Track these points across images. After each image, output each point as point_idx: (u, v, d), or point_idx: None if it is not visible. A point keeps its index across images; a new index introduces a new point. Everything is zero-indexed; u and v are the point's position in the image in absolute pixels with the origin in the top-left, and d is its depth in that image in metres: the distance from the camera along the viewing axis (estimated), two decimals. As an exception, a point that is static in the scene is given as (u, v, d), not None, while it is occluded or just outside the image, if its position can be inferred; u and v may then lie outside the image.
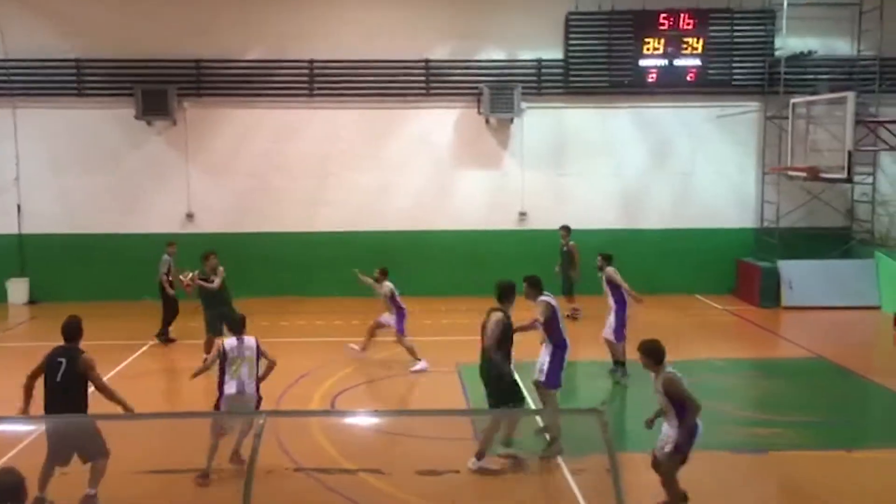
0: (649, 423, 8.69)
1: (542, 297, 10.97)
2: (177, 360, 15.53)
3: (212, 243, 19.81)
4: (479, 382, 10.75)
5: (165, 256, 17.05)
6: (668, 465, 8.39)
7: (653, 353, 8.50)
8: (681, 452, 8.31)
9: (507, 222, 21.55)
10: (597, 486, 8.67)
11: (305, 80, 21.23)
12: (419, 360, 14.49)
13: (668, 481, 8.44)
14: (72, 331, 8.76)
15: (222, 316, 12.29)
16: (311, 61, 21.12)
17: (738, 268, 21.34)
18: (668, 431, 8.44)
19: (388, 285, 14.83)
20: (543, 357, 10.72)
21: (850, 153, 15.58)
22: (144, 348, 16.32)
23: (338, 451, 10.32)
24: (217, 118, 21.22)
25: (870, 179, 20.98)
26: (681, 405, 8.30)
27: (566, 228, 19.03)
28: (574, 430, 10.79)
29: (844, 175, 16.06)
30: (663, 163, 21.70)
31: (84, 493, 8.42)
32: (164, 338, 16.70)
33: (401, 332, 14.75)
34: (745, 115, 21.42)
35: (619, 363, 13.68)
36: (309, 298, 20.32)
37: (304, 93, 21.23)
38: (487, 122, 21.36)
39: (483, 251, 20.93)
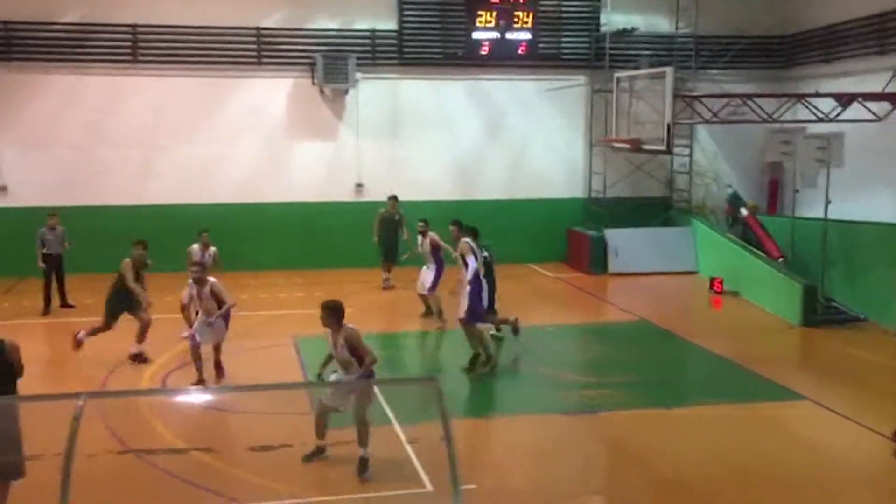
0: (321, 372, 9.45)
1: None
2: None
3: (29, 217, 18.69)
4: (316, 354, 10.76)
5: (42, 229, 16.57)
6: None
7: (336, 312, 9.05)
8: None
9: (344, 194, 21.37)
10: (433, 455, 8.76)
11: (128, 46, 20.18)
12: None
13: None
14: None
15: None
16: (134, 25, 20.08)
17: (569, 237, 22.10)
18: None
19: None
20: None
21: (669, 126, 16.33)
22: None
23: (169, 432, 9.99)
24: (31, 84, 19.85)
25: (687, 151, 22.16)
26: (360, 357, 9.01)
27: (395, 198, 18.95)
28: (410, 399, 10.90)
29: (664, 147, 16.83)
30: (497, 135, 22.09)
31: None
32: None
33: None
34: (573, 88, 22.09)
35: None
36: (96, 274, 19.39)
37: (128, 59, 20.19)
38: (322, 92, 21.05)
39: (320, 223, 20.72)
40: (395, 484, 8.73)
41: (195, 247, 15.56)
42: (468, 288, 12.55)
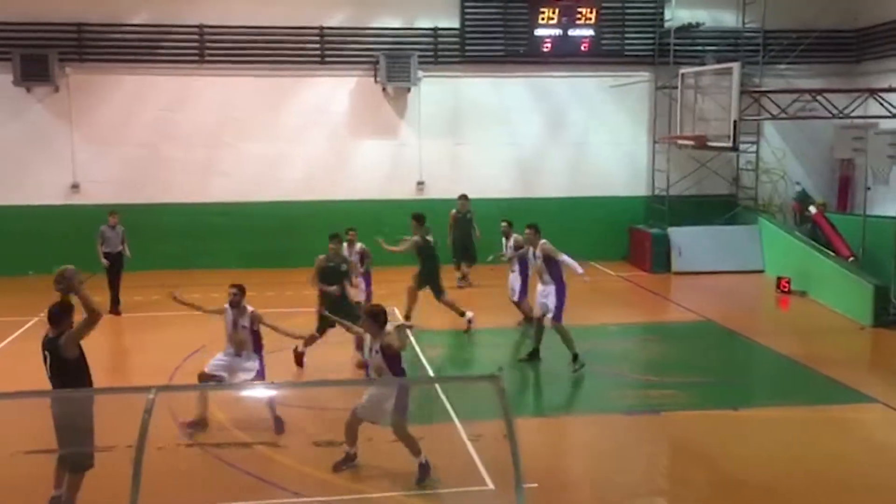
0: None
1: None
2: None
3: (100, 215, 19.17)
4: None
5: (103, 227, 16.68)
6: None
7: (376, 318, 8.83)
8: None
9: (406, 192, 21.46)
10: (495, 452, 8.76)
11: (196, 46, 20.58)
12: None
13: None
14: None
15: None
16: (201, 26, 20.48)
17: (631, 235, 21.87)
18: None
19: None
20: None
21: (735, 122, 16.06)
22: (28, 325, 15.64)
23: (234, 425, 10.16)
24: (102, 85, 20.38)
25: (754, 148, 21.75)
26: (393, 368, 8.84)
27: (466, 196, 19.10)
28: (471, 397, 10.91)
29: (730, 144, 16.55)
30: (558, 132, 21.97)
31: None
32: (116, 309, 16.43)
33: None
34: (636, 84, 21.85)
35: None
36: (203, 270, 19.78)
37: (195, 59, 20.59)
38: (384, 90, 21.18)
39: (382, 221, 20.78)
40: (457, 481, 8.75)
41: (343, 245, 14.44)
42: (554, 287, 12.48)
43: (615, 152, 22.14)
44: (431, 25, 21.28)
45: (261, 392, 9.69)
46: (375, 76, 20.93)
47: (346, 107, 21.28)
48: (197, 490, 8.74)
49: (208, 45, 20.61)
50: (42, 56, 19.60)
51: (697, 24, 21.07)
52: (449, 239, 18.71)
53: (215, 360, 10.23)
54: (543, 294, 12.70)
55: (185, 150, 20.72)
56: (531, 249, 12.95)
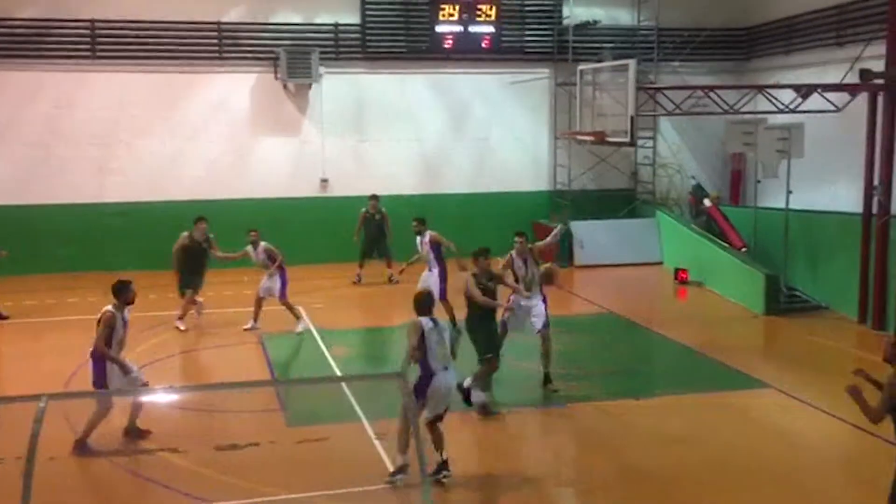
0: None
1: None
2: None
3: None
4: (282, 351, 10.79)
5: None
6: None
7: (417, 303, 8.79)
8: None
9: (309, 190, 21.24)
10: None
11: (87, 42, 19.88)
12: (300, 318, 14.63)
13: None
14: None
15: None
16: (93, 21, 19.78)
17: (535, 230, 22.12)
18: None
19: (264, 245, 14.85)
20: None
21: (632, 118, 16.42)
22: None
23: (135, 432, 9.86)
24: (-13, 82, 19.50)
25: (650, 143, 22.31)
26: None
27: (376, 197, 19.08)
28: (377, 395, 10.88)
29: (628, 139, 16.92)
30: (461, 128, 22.08)
31: None
32: None
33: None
34: (536, 81, 22.14)
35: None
36: (100, 273, 19.11)
37: (87, 55, 19.89)
38: (285, 87, 20.89)
39: (285, 219, 20.50)
40: (364, 479, 8.70)
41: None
42: (542, 296, 11.90)
43: (517, 148, 22.39)
44: (332, 21, 21.08)
45: (161, 397, 9.45)
46: (276, 72, 20.62)
47: (246, 104, 20.90)
48: (94, 501, 8.47)
49: (100, 40, 19.93)
50: (-80, 51, 18.66)
51: (594, 22, 21.47)
52: (356, 237, 18.77)
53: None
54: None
55: (79, 149, 19.99)
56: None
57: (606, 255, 20.70)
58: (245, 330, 14.52)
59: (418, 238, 15.38)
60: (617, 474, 9.17)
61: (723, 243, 18.63)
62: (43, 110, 19.79)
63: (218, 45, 20.52)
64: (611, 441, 10.04)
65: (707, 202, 20.21)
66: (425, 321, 8.55)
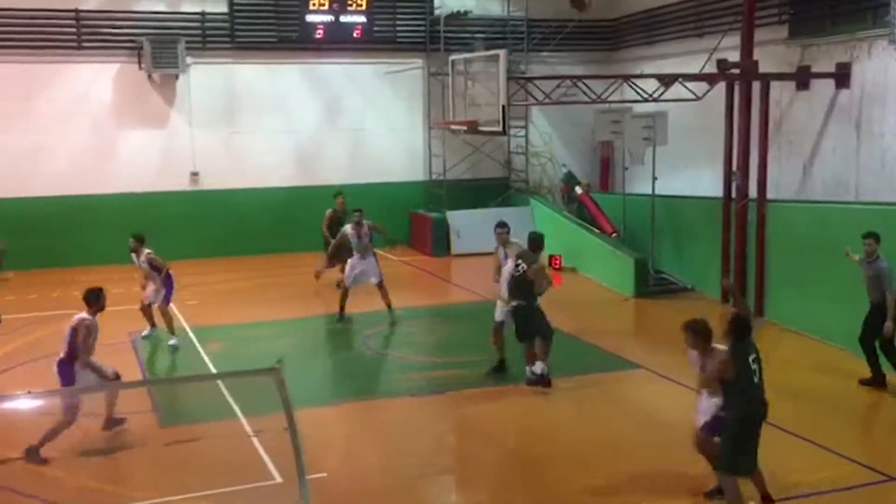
0: None
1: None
2: None
3: None
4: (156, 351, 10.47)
5: None
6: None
7: (702, 333, 7.70)
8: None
9: (179, 183, 20.60)
10: (281, 445, 8.62)
11: (-68, 30, 18.69)
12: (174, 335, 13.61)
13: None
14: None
15: None
16: (-62, 8, 18.62)
17: (412, 219, 22.21)
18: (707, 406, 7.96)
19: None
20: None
21: (503, 107, 16.61)
22: None
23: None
24: None
25: (523, 132, 22.69)
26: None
27: (340, 193, 17.73)
28: (254, 391, 10.67)
29: (500, 128, 17.12)
30: (335, 119, 21.88)
31: None
32: None
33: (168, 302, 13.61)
34: (409, 71, 22.15)
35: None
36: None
37: (-69, 43, 18.71)
38: (150, 77, 20.18)
39: (155, 214, 19.83)
40: (243, 477, 8.53)
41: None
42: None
43: (392, 138, 22.36)
44: (198, 10, 20.48)
45: (24, 403, 8.97)
46: (140, 62, 19.89)
47: (109, 95, 20.08)
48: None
49: (-53, 28, 18.77)
50: None
51: (466, 13, 21.64)
52: (325, 232, 17.18)
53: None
54: None
55: (-75, 144, 18.80)
56: None
57: (483, 244, 20.70)
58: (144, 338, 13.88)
59: (350, 227, 15.15)
60: (494, 459, 9.31)
61: (594, 229, 19.14)
62: None
63: (76, 34, 19.62)
64: (488, 427, 10.18)
65: (578, 189, 20.71)
66: None
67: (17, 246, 16.88)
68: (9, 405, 9.10)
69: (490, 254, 13.20)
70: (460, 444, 10.02)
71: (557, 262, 19.13)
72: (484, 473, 9.00)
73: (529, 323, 11.15)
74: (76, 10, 19.49)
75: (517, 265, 11.32)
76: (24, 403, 8.89)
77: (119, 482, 8.40)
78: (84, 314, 9.57)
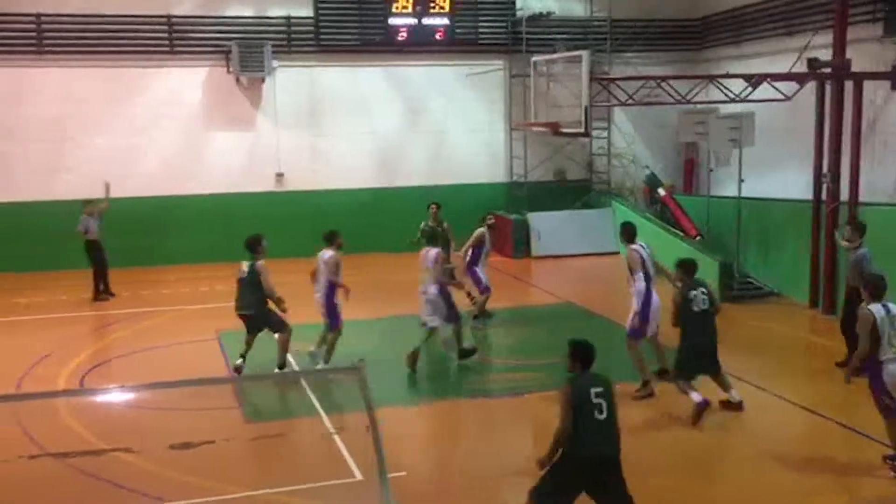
0: None
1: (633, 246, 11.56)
2: None
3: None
4: (239, 348, 10.82)
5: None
6: None
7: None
8: None
9: (264, 184, 21.05)
10: (362, 443, 8.72)
11: (33, 36, 19.47)
12: None
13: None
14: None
15: None
16: (39, 15, 19.38)
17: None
18: None
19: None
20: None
21: (586, 109, 16.49)
22: None
23: (89, 432, 9.72)
24: (-71, 78, 19.02)
25: (605, 134, 22.47)
26: None
27: (437, 205, 15.99)
28: (336, 389, 10.83)
29: (582, 130, 17.01)
30: (417, 121, 22.04)
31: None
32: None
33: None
34: (491, 73, 22.16)
35: None
36: (51, 272, 18.82)
37: (32, 49, 19.49)
38: (238, 80, 20.66)
39: (240, 214, 20.29)
40: (325, 474, 8.66)
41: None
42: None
43: (473, 140, 22.40)
44: (284, 14, 20.89)
45: (114, 396, 9.30)
46: (228, 66, 20.38)
47: (198, 98, 20.64)
48: (47, 502, 8.32)
49: (46, 34, 19.53)
50: None
51: (548, 14, 21.55)
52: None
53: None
54: None
55: (25, 146, 19.60)
56: None
57: (563, 246, 20.81)
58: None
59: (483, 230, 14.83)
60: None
61: (677, 232, 18.82)
62: (-12, 107, 19.36)
63: (168, 38, 20.22)
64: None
65: (661, 191, 20.41)
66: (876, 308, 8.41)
67: (110, 244, 17.47)
68: (102, 398, 9.48)
69: (572, 256, 13.13)
70: (539, 448, 9.94)
71: (639, 264, 18.85)
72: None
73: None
74: (168, 16, 20.09)
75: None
76: (117, 396, 9.25)
77: (205, 475, 8.59)
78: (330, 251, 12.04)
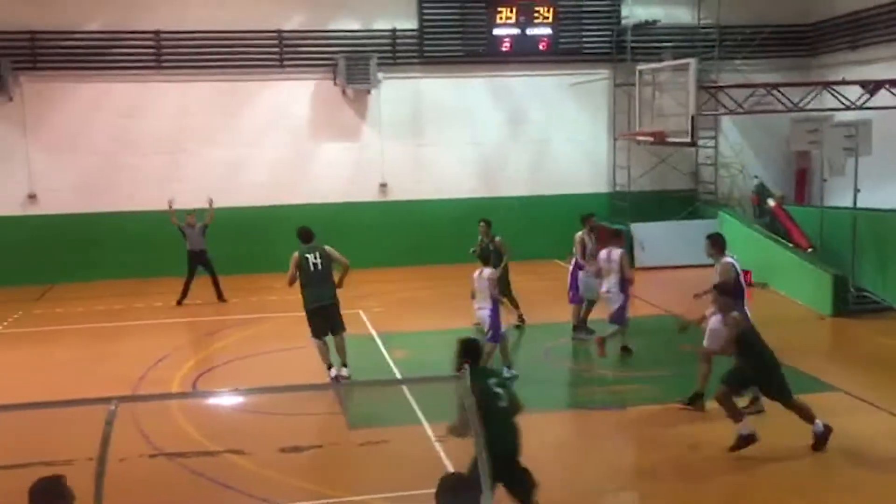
0: None
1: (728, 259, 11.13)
2: (25, 352, 14.68)
3: (58, 225, 18.99)
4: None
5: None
6: None
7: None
8: None
9: (368, 194, 21.41)
10: (463, 452, 8.75)
11: (152, 52, 20.36)
12: None
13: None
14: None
15: None
16: (158, 32, 20.26)
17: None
18: None
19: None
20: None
21: (693, 118, 16.20)
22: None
23: (201, 434, 10.05)
24: (58, 93, 20.07)
25: (712, 143, 21.98)
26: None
27: (487, 222, 15.08)
28: (438, 397, 10.87)
29: (689, 139, 16.71)
30: (519, 131, 22.05)
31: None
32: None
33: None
34: (595, 82, 21.99)
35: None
36: (165, 279, 19.55)
37: (152, 65, 20.37)
38: (344, 92, 21.10)
39: (344, 223, 20.67)
40: (427, 482, 8.70)
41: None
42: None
43: (576, 150, 22.27)
44: (390, 27, 21.24)
45: (226, 399, 9.61)
46: (335, 78, 20.85)
47: (305, 110, 21.17)
48: (162, 501, 8.65)
49: (165, 50, 20.39)
50: (-6, 65, 19.26)
51: (654, 21, 21.26)
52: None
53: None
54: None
55: (144, 157, 20.48)
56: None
57: (668, 257, 20.42)
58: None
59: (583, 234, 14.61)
60: (676, 478, 9.04)
61: (788, 243, 18.26)
62: (110, 120, 20.33)
63: (279, 52, 20.83)
64: (671, 444, 9.90)
65: (771, 202, 19.84)
66: None
67: (220, 252, 18.08)
68: (213, 401, 9.79)
69: (676, 267, 12.89)
70: (640, 461, 9.81)
71: (748, 276, 18.36)
72: (665, 492, 8.76)
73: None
74: (279, 31, 20.69)
75: None
76: (228, 399, 9.55)
77: (311, 479, 8.79)
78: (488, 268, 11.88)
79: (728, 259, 11.29)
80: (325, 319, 11.85)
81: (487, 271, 12.03)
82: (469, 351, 7.31)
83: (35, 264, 19.60)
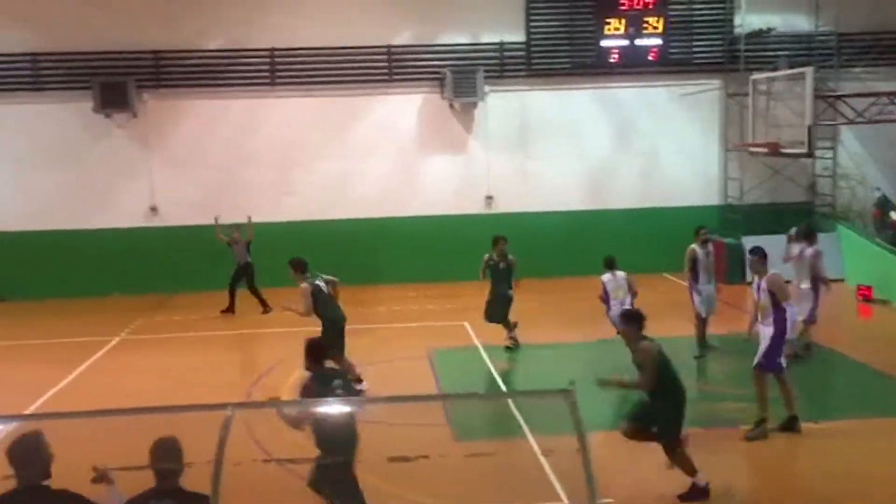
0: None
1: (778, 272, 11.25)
2: (145, 357, 15.35)
3: (178, 237, 19.82)
4: (450, 366, 11.01)
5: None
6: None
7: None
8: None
9: (474, 206, 21.53)
10: (569, 467, 8.70)
11: (267, 70, 21.04)
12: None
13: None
14: None
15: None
16: (272, 50, 20.93)
17: (705, 245, 21.46)
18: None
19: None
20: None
21: (810, 128, 15.73)
22: (113, 343, 16.14)
23: (309, 441, 10.26)
24: (178, 109, 20.97)
25: (830, 154, 21.22)
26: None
27: (504, 239, 15.20)
28: (544, 412, 10.82)
29: (805, 150, 16.22)
30: (627, 143, 21.79)
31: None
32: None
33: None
34: (706, 93, 21.55)
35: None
36: (278, 289, 20.08)
37: (266, 82, 21.05)
38: (451, 106, 21.31)
39: (451, 236, 20.88)
40: (531, 496, 8.71)
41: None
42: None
43: (686, 161, 21.85)
44: (497, 40, 21.35)
45: (334, 409, 9.78)
46: (442, 92, 21.08)
47: (413, 123, 21.47)
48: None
49: (279, 67, 21.04)
50: (121, 83, 20.25)
51: (769, 30, 20.69)
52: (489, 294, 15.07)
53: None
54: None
55: (258, 171, 21.15)
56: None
57: (782, 272, 19.71)
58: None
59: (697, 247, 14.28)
60: (790, 499, 8.75)
61: (912, 259, 17.47)
62: (226, 135, 21.08)
63: (388, 67, 21.20)
64: (787, 466, 9.60)
65: (894, 215, 19.04)
66: None
67: (327, 263, 18.43)
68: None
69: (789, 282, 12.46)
70: (753, 481, 9.53)
71: (868, 292, 17.67)
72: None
73: None
74: (388, 46, 21.06)
75: None
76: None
77: (417, 490, 8.87)
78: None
79: (778, 272, 11.46)
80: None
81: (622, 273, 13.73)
82: (313, 350, 7.85)
83: (155, 274, 20.48)
